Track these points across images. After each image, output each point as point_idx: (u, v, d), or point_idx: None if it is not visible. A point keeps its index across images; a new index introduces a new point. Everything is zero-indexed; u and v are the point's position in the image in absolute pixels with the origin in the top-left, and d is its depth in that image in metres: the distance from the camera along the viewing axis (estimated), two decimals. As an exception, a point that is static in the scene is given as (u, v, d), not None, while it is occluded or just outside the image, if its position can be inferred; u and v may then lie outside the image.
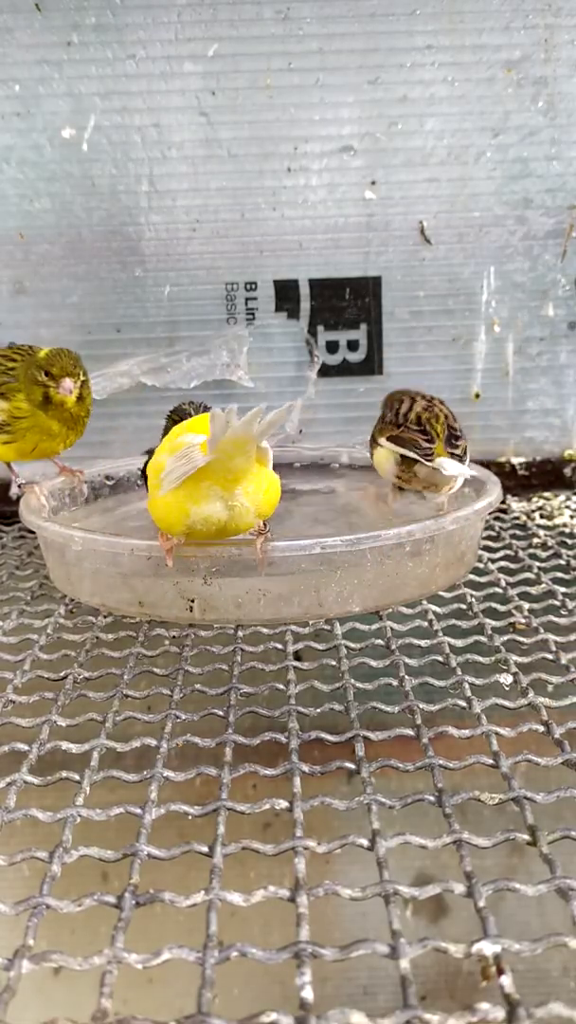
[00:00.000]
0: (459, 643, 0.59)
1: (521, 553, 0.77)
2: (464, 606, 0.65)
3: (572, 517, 0.89)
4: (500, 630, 0.61)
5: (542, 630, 0.60)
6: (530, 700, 0.50)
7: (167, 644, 0.61)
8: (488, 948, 0.31)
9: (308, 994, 0.29)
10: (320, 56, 0.93)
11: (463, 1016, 0.27)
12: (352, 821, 0.42)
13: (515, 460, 1.02)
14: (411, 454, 0.70)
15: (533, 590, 0.69)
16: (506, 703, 0.51)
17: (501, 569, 0.73)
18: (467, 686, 0.52)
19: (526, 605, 0.65)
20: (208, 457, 0.54)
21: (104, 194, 0.96)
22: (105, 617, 0.65)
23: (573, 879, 0.34)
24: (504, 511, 0.92)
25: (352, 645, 0.59)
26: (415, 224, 0.98)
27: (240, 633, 0.61)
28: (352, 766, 0.44)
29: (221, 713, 0.50)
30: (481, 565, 0.74)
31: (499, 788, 0.42)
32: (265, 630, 0.62)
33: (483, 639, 0.60)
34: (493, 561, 0.75)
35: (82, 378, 0.76)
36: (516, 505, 0.94)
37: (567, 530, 0.85)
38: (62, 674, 0.56)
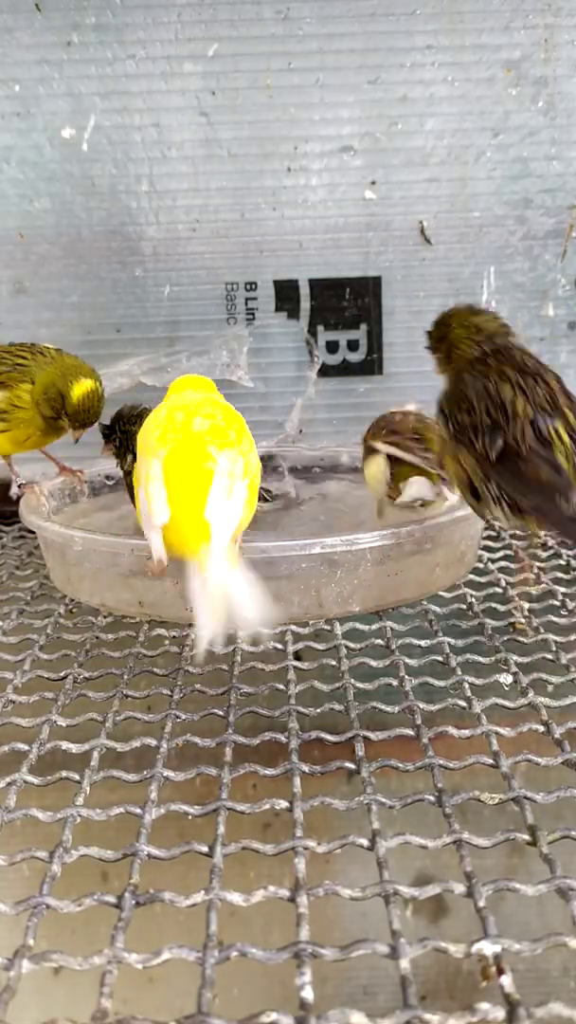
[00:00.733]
0: (459, 643, 0.59)
1: (521, 553, 0.77)
2: (464, 606, 0.65)
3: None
4: (500, 630, 0.61)
5: (542, 630, 0.60)
6: (530, 700, 0.50)
7: (167, 644, 0.61)
8: (488, 948, 0.31)
9: (308, 994, 0.29)
10: (320, 56, 0.93)
11: (463, 1016, 0.27)
12: (352, 821, 0.42)
13: (515, 460, 1.01)
14: (405, 455, 0.69)
15: (533, 590, 0.68)
16: (506, 703, 0.51)
17: (501, 569, 0.73)
18: (467, 686, 0.52)
19: (526, 605, 0.65)
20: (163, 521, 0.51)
21: (104, 194, 0.96)
22: (105, 617, 0.65)
23: (573, 879, 0.34)
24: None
25: (352, 645, 0.59)
26: (415, 224, 0.98)
27: (240, 633, 0.61)
28: (352, 766, 0.44)
29: (221, 713, 0.50)
30: (481, 565, 0.74)
31: (499, 788, 0.42)
32: (265, 630, 0.62)
33: (483, 639, 0.60)
34: (493, 561, 0.75)
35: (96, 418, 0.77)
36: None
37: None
38: (62, 674, 0.56)
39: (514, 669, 0.55)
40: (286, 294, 0.99)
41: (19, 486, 0.80)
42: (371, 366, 1.01)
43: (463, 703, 0.51)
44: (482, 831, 0.39)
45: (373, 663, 0.57)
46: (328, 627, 0.62)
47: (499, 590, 0.68)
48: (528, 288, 1.00)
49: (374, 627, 0.62)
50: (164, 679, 0.56)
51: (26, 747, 0.47)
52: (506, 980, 0.29)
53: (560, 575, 0.72)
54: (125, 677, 0.55)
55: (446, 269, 0.99)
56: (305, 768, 0.44)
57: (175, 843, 0.38)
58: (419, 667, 0.56)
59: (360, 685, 0.53)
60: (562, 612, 0.64)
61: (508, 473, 0.55)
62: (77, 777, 0.44)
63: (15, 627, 0.64)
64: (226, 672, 0.56)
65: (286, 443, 1.01)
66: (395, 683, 0.54)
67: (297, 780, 0.43)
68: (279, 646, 0.59)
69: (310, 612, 0.63)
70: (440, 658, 0.57)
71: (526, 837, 0.38)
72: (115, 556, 0.62)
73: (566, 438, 0.56)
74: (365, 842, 0.38)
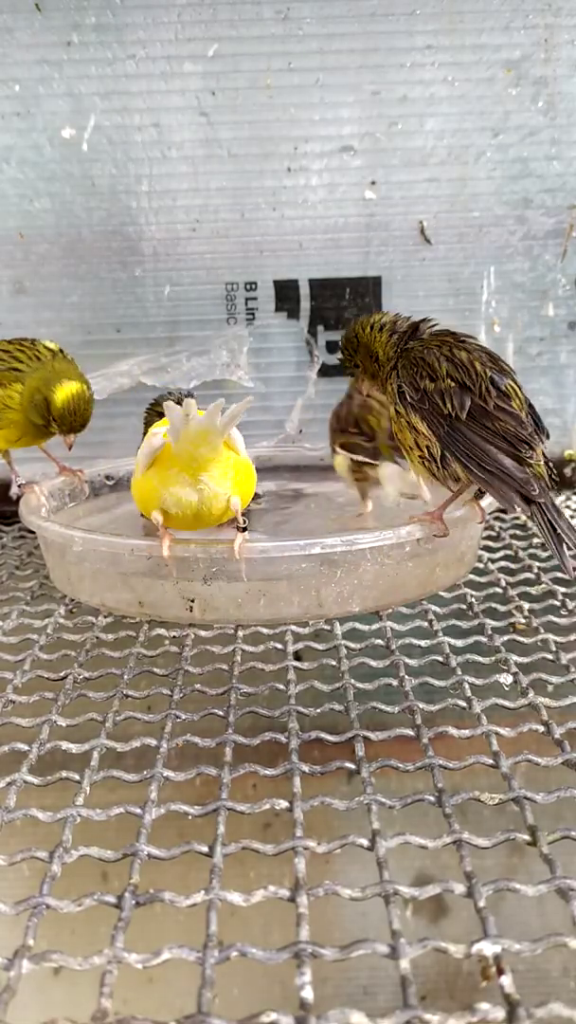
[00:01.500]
0: (459, 643, 0.59)
1: (521, 553, 0.77)
2: (464, 606, 0.65)
3: (572, 517, 0.89)
4: (500, 630, 0.61)
5: (542, 630, 0.60)
6: (530, 700, 0.50)
7: (167, 644, 0.61)
8: (488, 948, 0.31)
9: (308, 994, 0.29)
10: (320, 56, 0.93)
11: (463, 1016, 0.27)
12: (352, 821, 0.42)
13: (515, 460, 1.02)
14: (360, 458, 0.73)
15: (533, 590, 0.68)
16: (506, 703, 0.51)
17: (501, 569, 0.73)
18: (467, 686, 0.52)
19: (526, 605, 0.64)
20: (166, 441, 0.57)
21: (104, 194, 0.96)
22: (105, 617, 0.65)
23: (573, 879, 0.34)
24: (504, 511, 0.92)
25: (352, 645, 0.59)
26: (415, 224, 0.98)
27: (240, 633, 0.61)
28: (352, 766, 0.44)
29: (221, 713, 0.50)
30: (481, 565, 0.74)
31: (499, 788, 0.42)
32: (265, 630, 0.62)
33: (483, 639, 0.60)
34: (493, 561, 0.75)
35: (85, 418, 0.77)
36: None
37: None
38: (62, 674, 0.56)
39: (514, 669, 0.55)
40: (286, 294, 0.99)
41: (19, 486, 0.80)
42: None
43: (463, 703, 0.51)
44: (482, 831, 0.39)
45: (373, 663, 0.57)
46: (328, 627, 0.62)
47: (499, 590, 0.68)
48: (528, 288, 1.00)
49: (374, 627, 0.62)
50: (164, 679, 0.56)
51: (26, 747, 0.47)
52: (506, 980, 0.29)
53: (560, 575, 0.72)
54: (125, 677, 0.55)
55: (446, 269, 0.99)
56: (305, 768, 0.44)
57: (175, 843, 0.38)
58: (419, 667, 0.56)
59: (360, 685, 0.53)
60: (562, 612, 0.64)
61: (475, 429, 0.59)
62: (77, 777, 0.44)
63: (15, 627, 0.64)
64: (226, 672, 0.56)
65: (286, 443, 1.01)
66: (395, 683, 0.54)
67: (297, 780, 0.43)
68: (279, 646, 0.59)
69: (310, 612, 0.63)
70: (440, 658, 0.57)
71: (526, 837, 0.38)
72: (115, 556, 0.62)
73: (520, 392, 0.62)
74: (365, 842, 0.38)
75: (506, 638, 0.59)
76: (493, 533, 0.84)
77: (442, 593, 0.67)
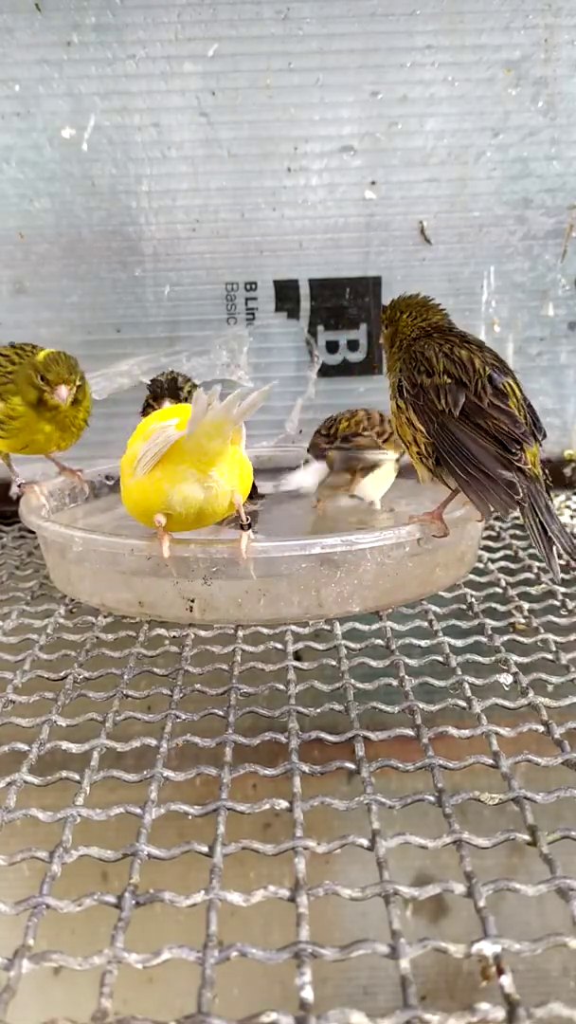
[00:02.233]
0: (459, 643, 0.59)
1: (521, 553, 0.77)
2: (464, 606, 0.65)
3: (572, 517, 0.89)
4: (500, 630, 0.61)
5: (542, 630, 0.60)
6: (530, 700, 0.50)
7: (167, 644, 0.61)
8: (488, 948, 0.31)
9: (308, 994, 0.29)
10: (320, 56, 0.93)
11: (463, 1016, 0.27)
12: (352, 821, 0.42)
13: (515, 460, 1.02)
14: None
15: (533, 590, 0.68)
16: (506, 703, 0.51)
17: (501, 569, 0.73)
18: (467, 686, 0.52)
19: (526, 605, 0.65)
20: (183, 433, 0.56)
21: (104, 194, 0.96)
22: (105, 617, 0.65)
23: (573, 879, 0.34)
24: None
25: (352, 645, 0.59)
26: (415, 224, 0.98)
27: (240, 633, 0.61)
28: (352, 766, 0.44)
29: (221, 713, 0.50)
30: (481, 565, 0.74)
31: (499, 788, 0.42)
32: (265, 630, 0.62)
33: (483, 639, 0.60)
34: (493, 561, 0.75)
35: (77, 383, 0.76)
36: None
37: (567, 530, 0.85)
38: (62, 674, 0.56)
39: (514, 669, 0.55)
40: (286, 294, 0.99)
41: (19, 486, 0.80)
42: (371, 366, 1.01)
43: (463, 703, 0.51)
44: (482, 831, 0.39)
45: (373, 663, 0.57)
46: (328, 627, 0.62)
47: (499, 590, 0.68)
48: (528, 288, 1.00)
49: (374, 627, 0.62)
50: (164, 679, 0.56)
51: (26, 747, 0.47)
52: (506, 980, 0.29)
53: (560, 575, 0.72)
54: (125, 677, 0.55)
55: (446, 269, 0.99)
56: (305, 768, 0.44)
57: (175, 843, 0.38)
58: (419, 667, 0.56)
59: (360, 685, 0.53)
60: (562, 612, 0.64)
61: (465, 428, 0.59)
62: (77, 777, 0.44)
63: (15, 627, 0.64)
64: (226, 672, 0.56)
65: (286, 443, 1.01)
66: (395, 683, 0.54)
67: (297, 780, 0.43)
68: (279, 646, 0.59)
69: (310, 612, 0.63)
70: (440, 658, 0.57)
71: (526, 837, 0.38)
72: (115, 556, 0.62)
73: (518, 391, 0.62)
74: (365, 842, 0.38)
75: (506, 638, 0.59)
76: (493, 533, 0.84)
77: (442, 593, 0.67)
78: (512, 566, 0.75)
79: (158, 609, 0.63)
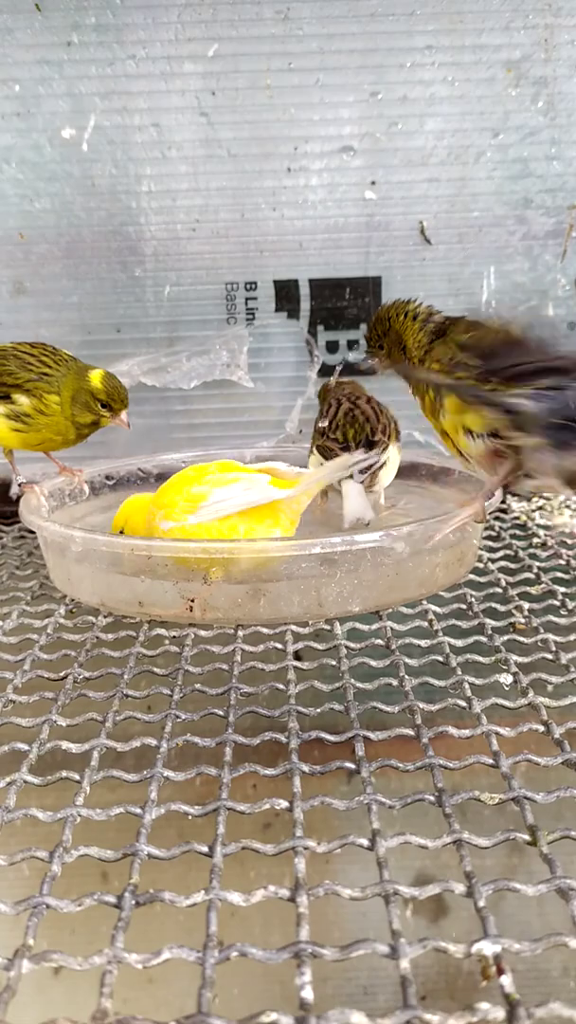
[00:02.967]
0: (459, 643, 0.59)
1: (521, 553, 0.77)
2: (464, 606, 0.65)
3: (572, 517, 0.89)
4: (500, 630, 0.61)
5: (542, 630, 0.60)
6: (530, 700, 0.50)
7: (167, 644, 0.61)
8: (488, 948, 0.31)
9: (308, 994, 0.29)
10: (320, 56, 0.93)
11: (463, 1016, 0.27)
12: (352, 821, 0.42)
13: (515, 460, 1.02)
14: (325, 473, 0.74)
15: (533, 590, 0.68)
16: (506, 703, 0.51)
17: (501, 569, 0.73)
18: (467, 686, 0.52)
19: (526, 605, 0.64)
20: (286, 494, 0.62)
21: (104, 194, 0.96)
22: (105, 617, 0.65)
23: (573, 879, 0.34)
24: (504, 511, 0.92)
25: (352, 645, 0.59)
26: (415, 224, 0.98)
27: (240, 633, 0.61)
28: (352, 766, 0.44)
29: (221, 713, 0.50)
30: (481, 565, 0.74)
31: (499, 788, 0.42)
32: (265, 630, 0.62)
33: (483, 639, 0.60)
34: (493, 561, 0.75)
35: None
36: (516, 505, 0.94)
37: (567, 530, 0.85)
38: (62, 674, 0.56)
39: (514, 669, 0.55)
40: (286, 294, 0.99)
41: (19, 484, 0.80)
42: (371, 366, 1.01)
43: (463, 703, 0.51)
44: (482, 831, 0.39)
45: (373, 663, 0.56)
46: (328, 627, 0.62)
47: (499, 590, 0.68)
48: (528, 288, 1.00)
49: (374, 627, 0.62)
50: (164, 679, 0.56)
51: (26, 747, 0.47)
52: (506, 980, 0.29)
53: (560, 575, 0.72)
54: (125, 677, 0.55)
55: (446, 269, 0.99)
56: (305, 768, 0.44)
57: (175, 843, 0.38)
58: (419, 667, 0.56)
59: (360, 685, 0.53)
60: (562, 612, 0.64)
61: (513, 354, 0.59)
62: (77, 777, 0.44)
63: (15, 627, 0.64)
64: (226, 672, 0.56)
65: (286, 443, 1.01)
66: (395, 683, 0.54)
67: (297, 780, 0.43)
68: (279, 646, 0.59)
69: (310, 612, 0.63)
70: (440, 658, 0.57)
71: (526, 837, 0.38)
72: (115, 556, 0.62)
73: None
74: (365, 842, 0.38)
75: (506, 638, 0.59)
76: (493, 533, 0.84)
77: (442, 593, 0.67)
78: (512, 566, 0.75)
79: (158, 609, 0.64)
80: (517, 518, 0.89)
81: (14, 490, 0.81)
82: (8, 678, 0.56)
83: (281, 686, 0.54)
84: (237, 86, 0.94)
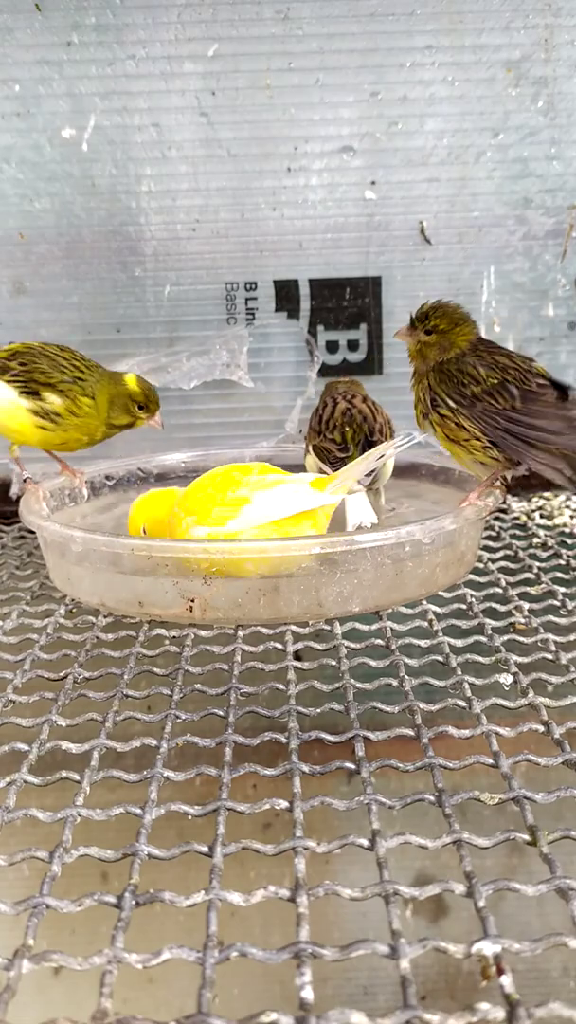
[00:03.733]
0: (459, 643, 0.59)
1: (521, 553, 0.77)
2: (464, 606, 0.65)
3: (572, 517, 0.89)
4: (500, 630, 0.61)
5: (542, 630, 0.60)
6: (530, 700, 0.50)
7: (167, 644, 0.61)
8: (488, 948, 0.31)
9: (308, 994, 0.29)
10: (320, 56, 0.93)
11: (463, 1016, 0.27)
12: (352, 821, 0.42)
13: (515, 460, 1.02)
14: (326, 467, 0.75)
15: (533, 590, 0.68)
16: (506, 703, 0.51)
17: (501, 569, 0.73)
18: (467, 686, 0.52)
19: (526, 605, 0.65)
20: (326, 501, 0.63)
21: (104, 194, 0.96)
22: (105, 617, 0.65)
23: (573, 879, 0.34)
24: (504, 511, 0.92)
25: (352, 645, 0.59)
26: (415, 224, 0.98)
27: (240, 633, 0.61)
28: (352, 766, 0.44)
29: (221, 713, 0.50)
30: (481, 565, 0.74)
31: (499, 788, 0.42)
32: (265, 630, 0.62)
33: (483, 639, 0.60)
34: (493, 561, 0.75)
35: None
36: (516, 505, 0.94)
37: (567, 530, 0.85)
38: (62, 674, 0.56)
39: (514, 669, 0.55)
40: (286, 294, 0.99)
41: (24, 480, 0.80)
42: (371, 366, 1.01)
43: (463, 703, 0.51)
44: (482, 831, 0.39)
45: (373, 663, 0.57)
46: (328, 627, 0.62)
47: (499, 590, 0.68)
48: (528, 288, 1.00)
49: (374, 627, 0.62)
50: (164, 679, 0.56)
51: (26, 747, 0.47)
52: (506, 980, 0.29)
53: (560, 575, 0.72)
54: (125, 677, 0.55)
55: (446, 269, 0.99)
56: (305, 768, 0.44)
57: (175, 843, 0.38)
58: (419, 667, 0.56)
59: (360, 685, 0.53)
60: (562, 612, 0.64)
61: (533, 409, 0.67)
62: (77, 777, 0.44)
63: (15, 627, 0.64)
64: (226, 672, 0.56)
65: (286, 443, 1.01)
66: (395, 683, 0.54)
67: (297, 780, 0.43)
68: (279, 646, 0.59)
69: (310, 612, 0.62)
70: (440, 658, 0.57)
71: (526, 837, 0.38)
72: (115, 556, 0.62)
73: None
74: (365, 842, 0.38)
75: (506, 638, 0.59)
76: (493, 533, 0.84)
77: (442, 593, 0.67)
78: (512, 566, 0.75)
79: (158, 609, 0.64)
80: (517, 518, 0.89)
81: (14, 490, 0.81)
82: (8, 678, 0.56)
83: (281, 686, 0.54)
84: (237, 86, 0.94)
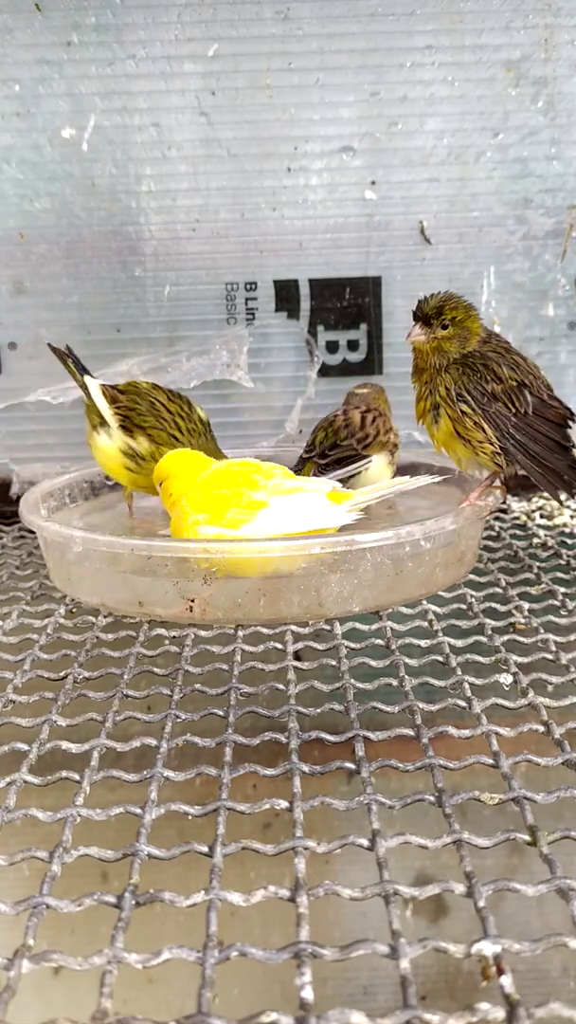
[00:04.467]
0: (459, 643, 0.59)
1: (521, 553, 0.77)
2: (464, 606, 0.65)
3: (572, 517, 0.89)
4: (500, 630, 0.61)
5: (542, 630, 0.60)
6: (530, 700, 0.50)
7: (167, 644, 0.61)
8: (488, 948, 0.31)
9: (308, 994, 0.29)
10: (320, 56, 0.93)
11: (463, 1016, 0.27)
12: (352, 821, 0.42)
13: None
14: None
15: (533, 590, 0.68)
16: (506, 703, 0.51)
17: (501, 569, 0.73)
18: (467, 686, 0.52)
19: (526, 605, 0.65)
20: (340, 521, 0.63)
21: (104, 194, 0.96)
22: (105, 617, 0.65)
23: (573, 879, 0.34)
24: (504, 511, 0.92)
25: (352, 645, 0.59)
26: (415, 224, 0.98)
27: (240, 633, 0.61)
28: (352, 766, 0.44)
29: (221, 713, 0.50)
30: (481, 565, 0.74)
31: (499, 788, 0.42)
32: (265, 630, 0.62)
33: (483, 639, 0.60)
34: (493, 561, 0.75)
35: None
36: (516, 505, 0.94)
37: (567, 530, 0.85)
38: (62, 674, 0.56)
39: (514, 669, 0.55)
40: (286, 294, 0.99)
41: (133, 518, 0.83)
42: (371, 366, 1.01)
43: (463, 703, 0.51)
44: (482, 831, 0.39)
45: (373, 663, 0.57)
46: (328, 627, 0.62)
47: (499, 590, 0.68)
48: (528, 288, 1.00)
49: (374, 627, 0.62)
50: (164, 679, 0.56)
51: (26, 747, 0.47)
52: (506, 980, 0.29)
53: (560, 575, 0.72)
54: (125, 677, 0.55)
55: (446, 269, 0.99)
56: (305, 768, 0.44)
57: (175, 843, 0.38)
58: (419, 667, 0.56)
59: (360, 685, 0.53)
60: (562, 612, 0.64)
61: (537, 420, 0.69)
62: (77, 777, 0.44)
63: (15, 627, 0.64)
64: (226, 672, 0.56)
65: (286, 443, 1.01)
66: (395, 683, 0.54)
67: (297, 780, 0.43)
68: (279, 646, 0.59)
69: (310, 612, 0.63)
70: (440, 658, 0.57)
71: (526, 837, 0.38)
72: (115, 556, 0.62)
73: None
74: (365, 842, 0.38)
75: (506, 638, 0.59)
76: (493, 533, 0.84)
77: (442, 593, 0.67)
78: (512, 566, 0.75)
79: (158, 609, 0.64)
80: (517, 518, 0.89)
81: (15, 490, 0.81)
82: (8, 678, 0.56)
83: (281, 686, 0.54)
84: (237, 86, 0.94)
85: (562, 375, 1.01)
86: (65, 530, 0.65)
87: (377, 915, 0.35)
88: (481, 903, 0.33)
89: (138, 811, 0.41)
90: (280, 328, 1.00)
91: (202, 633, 0.62)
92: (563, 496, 0.68)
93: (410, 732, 0.48)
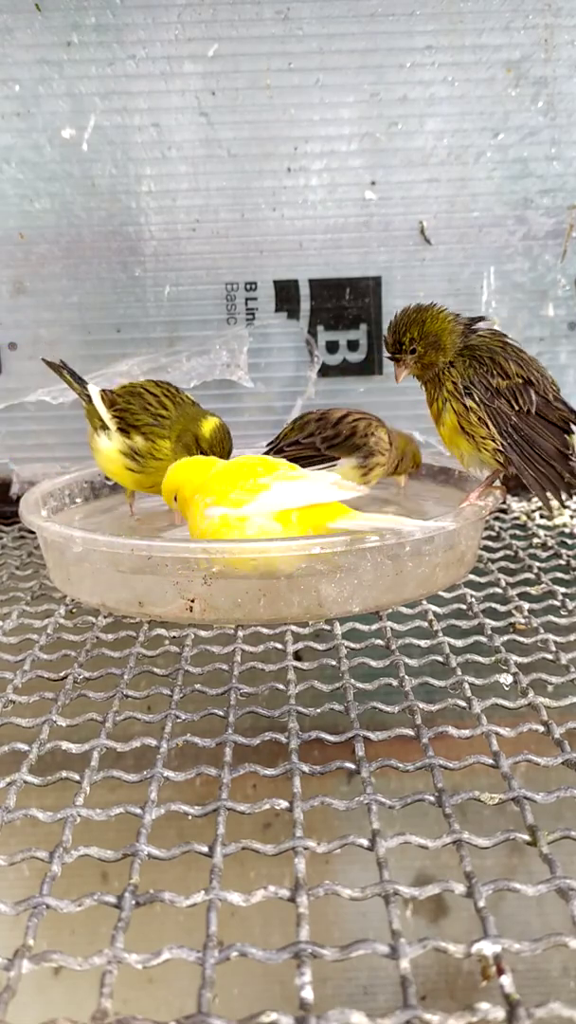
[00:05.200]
0: (459, 643, 0.59)
1: (521, 553, 0.77)
2: (464, 606, 0.65)
3: (572, 517, 0.89)
4: (500, 630, 0.61)
5: (542, 630, 0.60)
6: (530, 700, 0.50)
7: (167, 644, 0.61)
8: (488, 948, 0.31)
9: (308, 994, 0.29)
10: (320, 56, 0.93)
11: (463, 1016, 0.27)
12: (352, 821, 0.42)
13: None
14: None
15: (533, 590, 0.68)
16: (506, 703, 0.51)
17: (501, 569, 0.73)
18: (467, 686, 0.52)
19: (526, 605, 0.65)
20: (343, 496, 0.62)
21: (104, 194, 0.96)
22: (105, 617, 0.65)
23: (573, 879, 0.34)
24: (504, 511, 0.92)
25: (352, 645, 0.59)
26: (415, 224, 0.98)
27: (240, 633, 0.61)
28: (352, 766, 0.44)
29: (221, 713, 0.50)
30: (481, 565, 0.74)
31: (499, 788, 0.42)
32: (265, 630, 0.62)
33: (483, 639, 0.60)
34: (493, 561, 0.75)
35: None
36: (516, 505, 0.94)
37: (567, 530, 0.85)
38: (62, 674, 0.56)
39: (514, 669, 0.55)
40: (286, 294, 0.99)
41: (134, 518, 0.82)
42: (371, 366, 1.01)
43: (463, 703, 0.51)
44: (482, 831, 0.39)
45: (373, 663, 0.57)
46: (328, 627, 0.62)
47: (499, 590, 0.68)
48: (528, 288, 1.00)
49: (374, 627, 0.62)
50: (164, 679, 0.56)
51: (26, 747, 0.47)
52: (506, 980, 0.29)
53: (560, 575, 0.72)
54: (125, 677, 0.55)
55: (446, 269, 0.99)
56: (305, 768, 0.44)
57: (175, 843, 0.38)
58: (419, 667, 0.56)
59: (360, 685, 0.53)
60: (562, 612, 0.64)
61: (538, 421, 0.68)
62: (77, 777, 0.44)
63: (15, 627, 0.64)
64: (226, 672, 0.56)
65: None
66: (395, 683, 0.54)
67: (297, 780, 0.43)
68: (279, 646, 0.59)
69: (310, 612, 0.62)
70: (440, 658, 0.57)
71: (526, 837, 0.38)
72: (115, 556, 0.62)
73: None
74: (365, 842, 0.38)
75: (506, 638, 0.59)
76: (493, 533, 0.84)
77: (442, 593, 0.67)
78: (512, 566, 0.75)
79: (158, 609, 0.64)
80: (517, 518, 0.89)
81: (15, 490, 0.81)
82: (8, 678, 0.56)
83: (281, 686, 0.54)
84: (237, 86, 0.94)
85: (562, 375, 1.01)
86: (65, 530, 0.65)
87: (377, 915, 0.35)
88: (481, 903, 0.33)
89: (138, 811, 0.41)
90: (280, 328, 1.00)
91: (202, 633, 0.62)
92: (554, 504, 0.67)
93: (410, 732, 0.48)
